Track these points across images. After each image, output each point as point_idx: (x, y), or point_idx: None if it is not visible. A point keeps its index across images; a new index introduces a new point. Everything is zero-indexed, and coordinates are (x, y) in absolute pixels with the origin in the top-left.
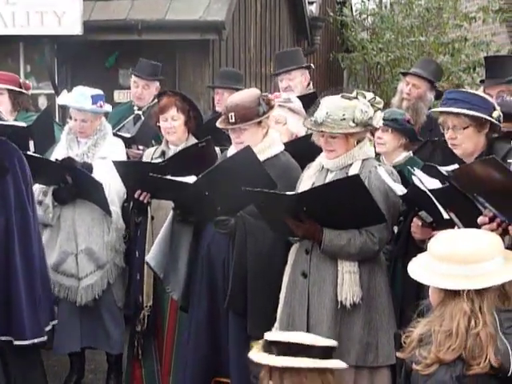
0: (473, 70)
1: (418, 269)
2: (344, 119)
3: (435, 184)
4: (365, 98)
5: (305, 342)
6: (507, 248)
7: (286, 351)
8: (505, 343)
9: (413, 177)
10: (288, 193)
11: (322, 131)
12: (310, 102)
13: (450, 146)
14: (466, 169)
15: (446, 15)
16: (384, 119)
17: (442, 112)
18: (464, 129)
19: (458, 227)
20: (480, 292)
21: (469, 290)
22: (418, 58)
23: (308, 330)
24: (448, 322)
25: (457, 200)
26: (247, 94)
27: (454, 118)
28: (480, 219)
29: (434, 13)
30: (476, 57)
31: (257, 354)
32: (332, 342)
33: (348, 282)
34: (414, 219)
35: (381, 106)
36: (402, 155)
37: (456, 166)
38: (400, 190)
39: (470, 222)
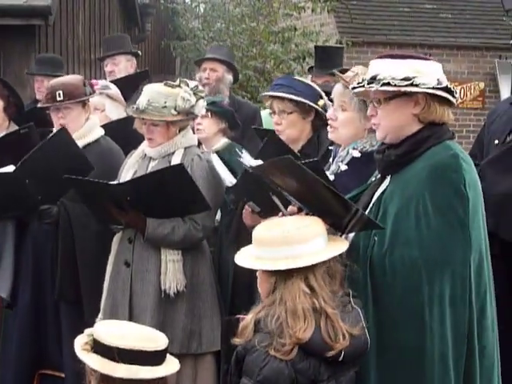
0: (302, 59)
1: (247, 257)
2: (165, 107)
3: (258, 162)
4: (188, 86)
5: (150, 349)
6: None
7: (129, 359)
8: None
9: (241, 160)
10: (111, 182)
11: (143, 118)
12: (142, 80)
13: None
14: (265, 166)
15: (276, 4)
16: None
17: (269, 96)
18: (288, 114)
19: (283, 213)
20: (311, 270)
21: (301, 270)
22: (250, 46)
23: (131, 320)
24: (291, 303)
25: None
26: (72, 76)
27: (279, 102)
28: (289, 209)
29: (265, 1)
30: (305, 46)
31: (93, 358)
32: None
33: (172, 271)
34: (246, 206)
35: (203, 94)
36: (221, 141)
37: (260, 161)
38: (229, 180)
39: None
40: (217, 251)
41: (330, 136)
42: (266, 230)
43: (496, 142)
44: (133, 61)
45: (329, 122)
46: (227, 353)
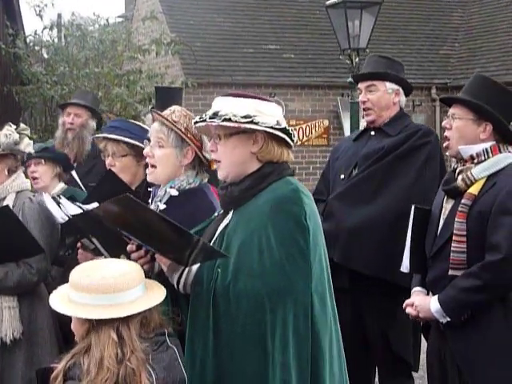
0: (148, 101)
1: (62, 300)
2: None
3: (77, 210)
4: (10, 126)
5: None
6: None
7: None
8: (150, 372)
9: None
10: None
11: None
12: None
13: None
14: (104, 208)
15: (120, 48)
16: (36, 151)
17: (103, 138)
18: (122, 157)
19: (104, 255)
20: (125, 320)
21: (115, 319)
22: (95, 89)
23: None
24: (97, 352)
25: (100, 229)
26: None
27: (113, 144)
28: (128, 247)
29: (109, 45)
30: (151, 88)
31: None
32: None
33: (7, 318)
34: (79, 244)
35: (27, 132)
36: (59, 186)
37: (96, 204)
38: (61, 217)
39: (116, 250)
40: None
41: (149, 178)
42: (83, 275)
43: (342, 176)
44: None
45: (147, 160)
46: None
